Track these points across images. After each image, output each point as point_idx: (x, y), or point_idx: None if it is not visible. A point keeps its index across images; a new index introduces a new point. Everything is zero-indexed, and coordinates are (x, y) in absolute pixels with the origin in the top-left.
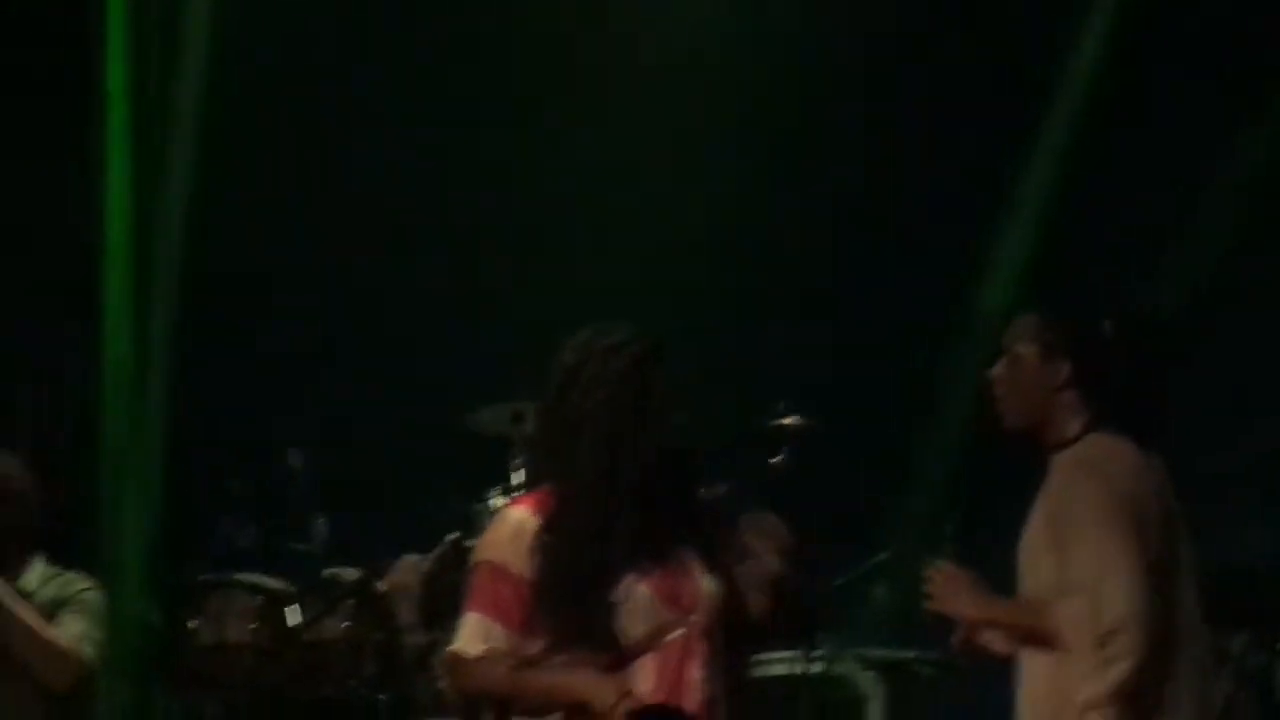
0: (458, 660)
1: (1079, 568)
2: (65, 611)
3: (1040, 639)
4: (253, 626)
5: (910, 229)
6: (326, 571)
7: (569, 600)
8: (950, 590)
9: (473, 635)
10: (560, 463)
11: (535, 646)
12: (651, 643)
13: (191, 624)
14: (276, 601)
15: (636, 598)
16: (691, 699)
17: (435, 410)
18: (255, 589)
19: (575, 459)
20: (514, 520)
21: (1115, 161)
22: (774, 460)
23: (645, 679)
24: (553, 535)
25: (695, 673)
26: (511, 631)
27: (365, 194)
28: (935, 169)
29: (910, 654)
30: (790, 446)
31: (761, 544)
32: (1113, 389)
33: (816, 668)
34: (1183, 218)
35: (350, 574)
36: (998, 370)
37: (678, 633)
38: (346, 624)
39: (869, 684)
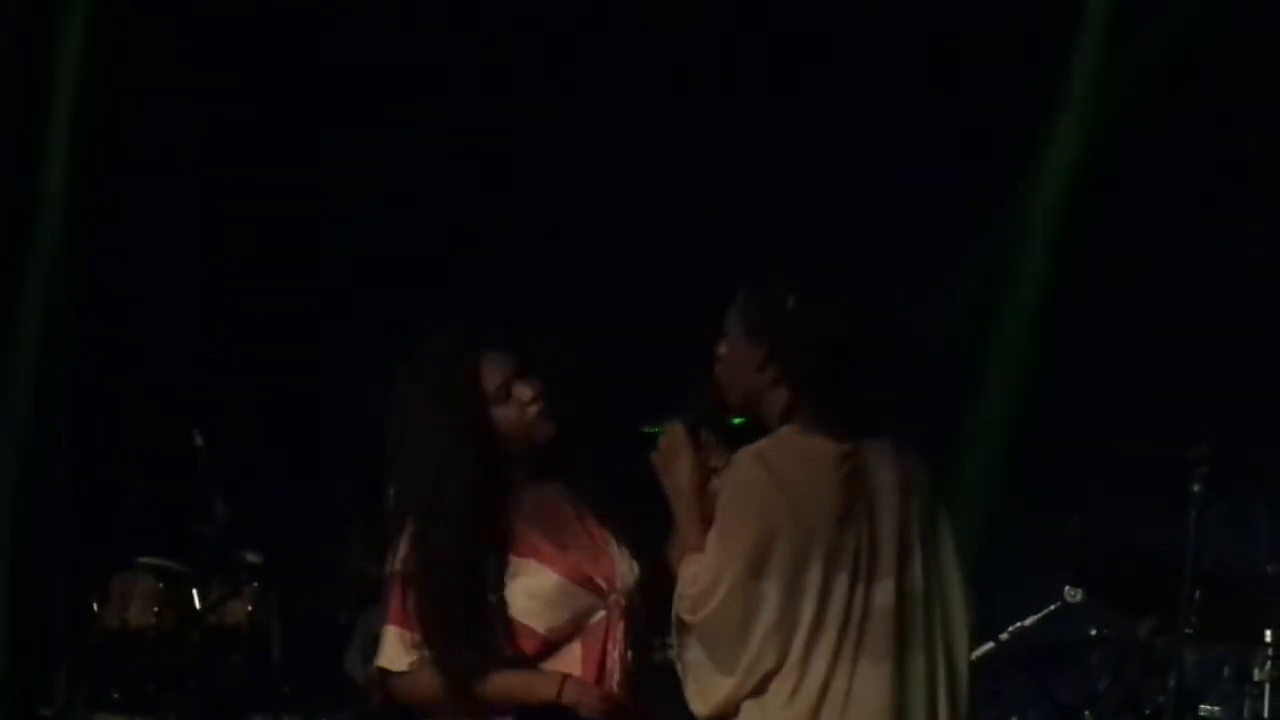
0: (385, 676)
1: (704, 557)
2: None
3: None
4: (156, 610)
5: None
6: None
7: (447, 595)
8: (670, 455)
9: (396, 650)
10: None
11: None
12: (573, 627)
13: (94, 607)
14: (180, 584)
15: (548, 586)
16: (611, 679)
17: (339, 395)
18: (158, 572)
19: (412, 479)
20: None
21: None
22: None
23: (573, 665)
24: (416, 556)
25: (617, 652)
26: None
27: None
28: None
29: None
30: None
31: None
32: (802, 370)
33: None
34: None
35: (254, 557)
36: (719, 349)
37: (598, 615)
38: (250, 607)
39: None
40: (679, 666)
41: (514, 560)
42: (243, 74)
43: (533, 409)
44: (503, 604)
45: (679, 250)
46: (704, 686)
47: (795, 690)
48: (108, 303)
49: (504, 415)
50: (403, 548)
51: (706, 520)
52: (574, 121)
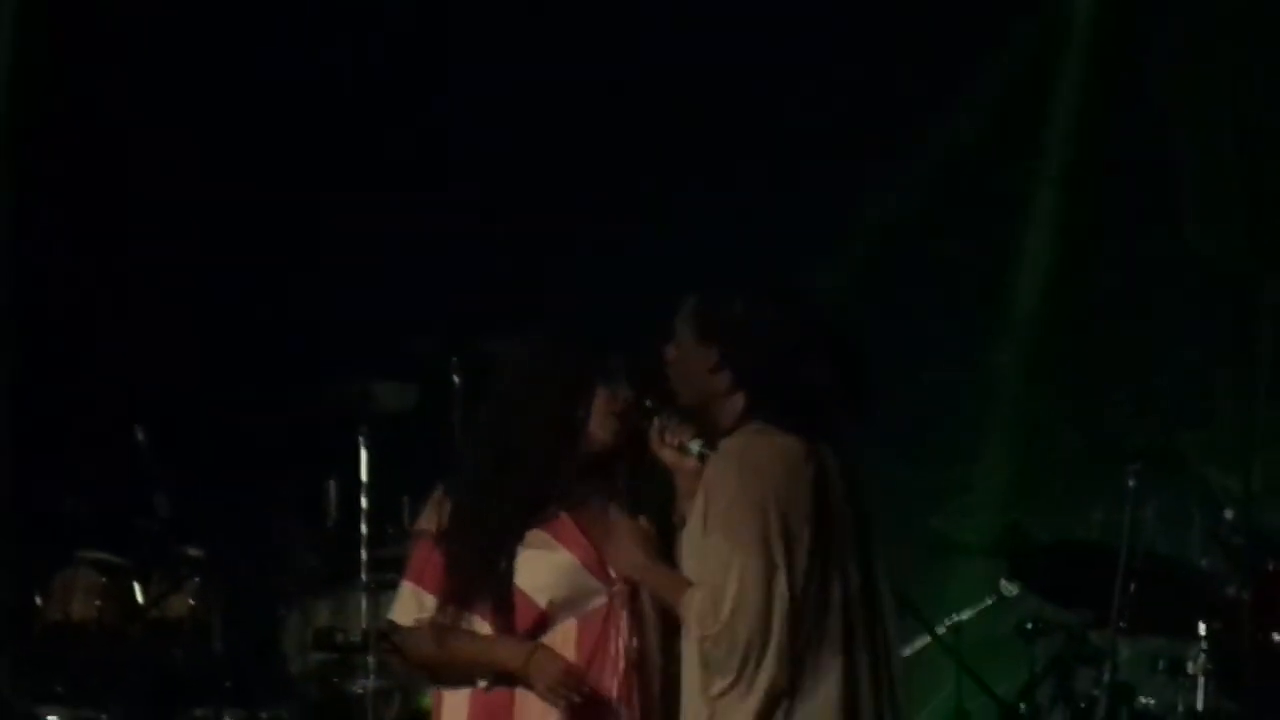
0: (393, 629)
1: (708, 562)
2: None
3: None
4: (98, 603)
5: None
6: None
7: (465, 558)
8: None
9: (406, 606)
10: (476, 438)
11: (463, 614)
12: (572, 608)
13: (37, 601)
14: (122, 578)
15: (560, 564)
16: (613, 668)
17: (282, 387)
18: (101, 565)
19: (490, 437)
20: (441, 492)
21: None
22: None
23: (566, 645)
24: (450, 500)
25: (619, 642)
26: (441, 600)
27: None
28: None
29: None
30: None
31: None
32: (757, 374)
33: None
34: None
35: (195, 551)
36: (668, 351)
37: (599, 600)
38: (192, 601)
39: None
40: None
41: (532, 532)
42: (187, 71)
43: (621, 413)
44: (509, 573)
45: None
46: (747, 687)
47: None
48: (49, 297)
49: (600, 412)
50: (430, 509)
51: (665, 580)
52: None
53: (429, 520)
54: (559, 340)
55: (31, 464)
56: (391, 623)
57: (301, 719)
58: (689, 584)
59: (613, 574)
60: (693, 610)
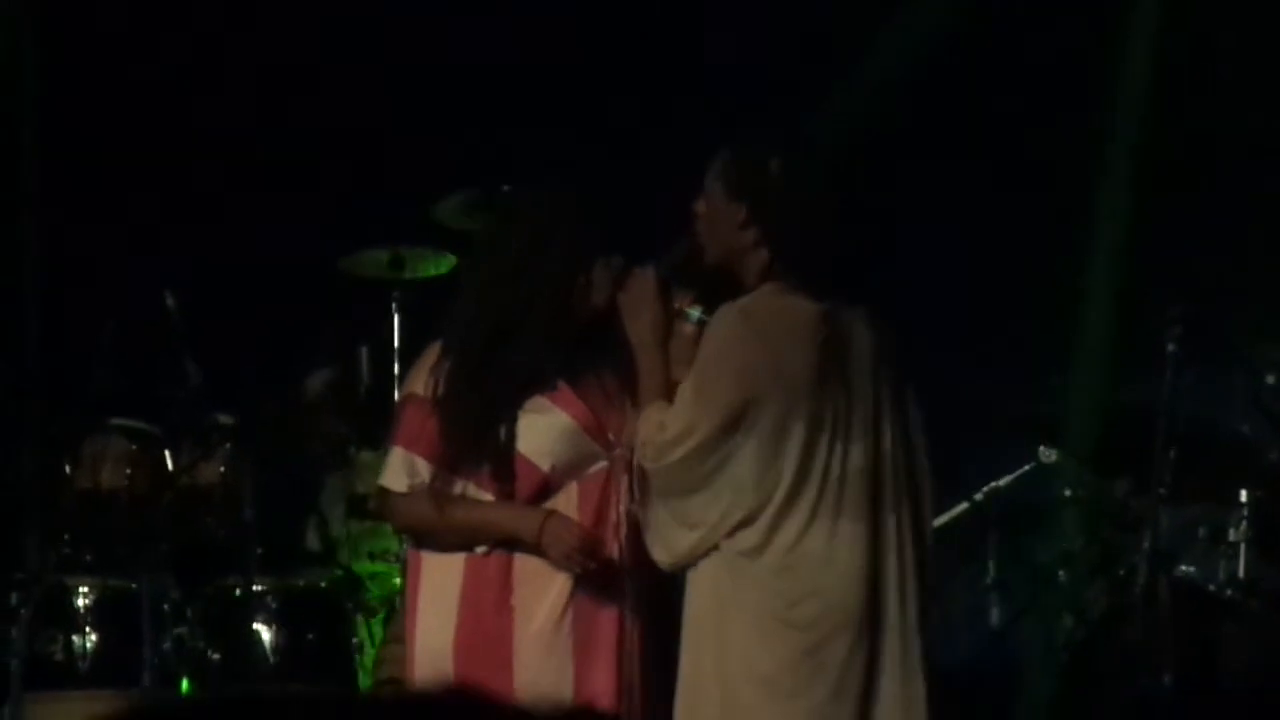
0: (385, 495)
1: (675, 402)
2: None
3: None
4: (128, 471)
5: None
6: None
7: (465, 423)
8: (637, 300)
9: (398, 471)
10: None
11: (457, 480)
12: (574, 472)
13: (66, 469)
14: (152, 446)
15: (559, 426)
16: (614, 533)
17: (312, 252)
18: (131, 433)
19: (490, 299)
20: (435, 354)
21: None
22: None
23: (568, 510)
24: (447, 363)
25: (619, 508)
26: (435, 465)
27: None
28: None
29: None
30: None
31: None
32: (783, 230)
33: None
34: None
35: (226, 418)
36: (697, 206)
37: (600, 464)
38: (222, 469)
39: None
40: (640, 515)
41: (530, 399)
42: None
43: (616, 280)
44: (511, 437)
45: None
46: (665, 537)
47: (764, 546)
48: (77, 160)
49: (597, 278)
50: (423, 373)
51: (659, 363)
52: None
53: (423, 384)
54: (559, 205)
55: (61, 331)
56: (382, 488)
57: (334, 586)
58: (665, 392)
59: (612, 438)
60: (643, 431)
